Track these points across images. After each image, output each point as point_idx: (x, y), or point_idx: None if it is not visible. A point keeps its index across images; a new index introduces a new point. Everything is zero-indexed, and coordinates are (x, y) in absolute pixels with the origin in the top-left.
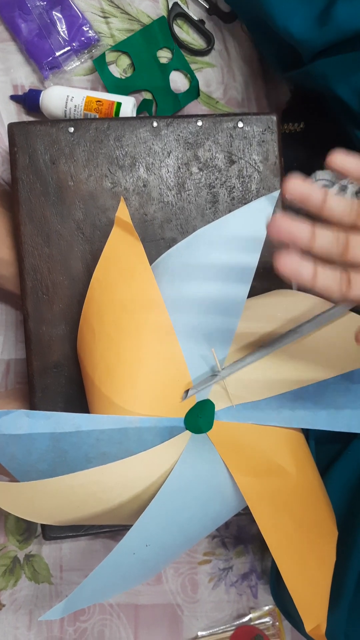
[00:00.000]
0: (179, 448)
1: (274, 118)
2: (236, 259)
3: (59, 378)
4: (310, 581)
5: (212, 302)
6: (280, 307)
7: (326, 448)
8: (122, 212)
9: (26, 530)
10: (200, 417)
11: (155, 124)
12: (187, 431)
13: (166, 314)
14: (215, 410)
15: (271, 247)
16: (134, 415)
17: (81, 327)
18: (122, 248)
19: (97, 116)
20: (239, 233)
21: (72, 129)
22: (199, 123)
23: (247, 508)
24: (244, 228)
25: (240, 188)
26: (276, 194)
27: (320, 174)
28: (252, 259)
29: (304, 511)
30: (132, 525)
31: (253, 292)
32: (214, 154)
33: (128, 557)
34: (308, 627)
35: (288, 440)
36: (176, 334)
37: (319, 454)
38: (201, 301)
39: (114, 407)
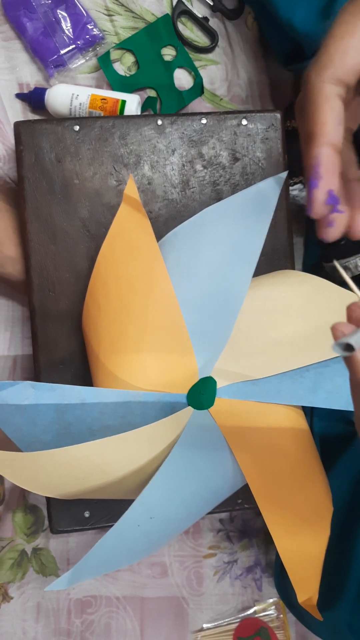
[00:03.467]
0: (182, 423)
1: (278, 115)
2: (242, 238)
3: (65, 374)
4: (304, 555)
5: (217, 279)
6: (284, 287)
7: (331, 444)
8: (130, 189)
9: (34, 524)
10: (202, 394)
11: (159, 122)
12: (190, 407)
13: (172, 290)
14: (217, 387)
15: (275, 230)
16: (138, 390)
17: (87, 303)
18: (129, 225)
19: (102, 114)
20: (246, 212)
21: (77, 128)
22: (203, 121)
23: (251, 501)
24: (250, 208)
25: (244, 185)
26: (284, 175)
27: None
28: (259, 238)
29: (300, 486)
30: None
31: (257, 273)
32: (218, 151)
33: (133, 528)
34: (301, 599)
35: (287, 418)
36: (181, 310)
37: (324, 450)
38: (207, 278)
39: (118, 381)
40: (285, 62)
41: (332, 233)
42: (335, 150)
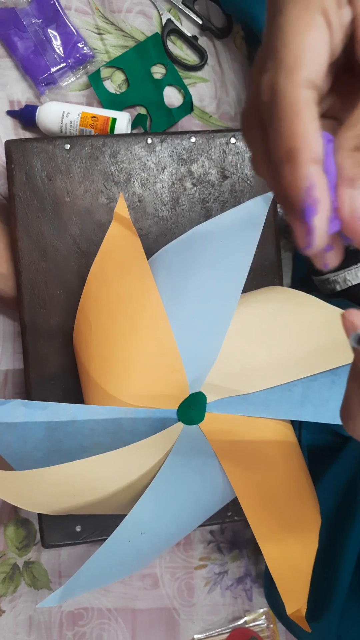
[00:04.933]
0: (172, 439)
1: None
2: (231, 255)
3: (56, 390)
4: (293, 567)
5: (207, 296)
6: (272, 303)
7: (319, 456)
8: (121, 208)
9: (25, 537)
10: (192, 409)
11: (149, 141)
12: (180, 422)
13: (162, 308)
14: (207, 402)
15: (263, 246)
16: (128, 407)
17: (78, 320)
18: (119, 242)
19: (93, 131)
20: (234, 230)
21: (68, 146)
22: (193, 139)
23: (241, 514)
24: (239, 226)
25: (233, 203)
26: (271, 194)
27: None
28: (247, 256)
29: (289, 499)
30: (126, 515)
31: (246, 289)
32: (207, 169)
33: (124, 544)
34: (289, 611)
35: (276, 432)
36: (171, 327)
37: (312, 461)
38: (196, 295)
39: (108, 398)
40: None
41: (335, 258)
42: (322, 166)
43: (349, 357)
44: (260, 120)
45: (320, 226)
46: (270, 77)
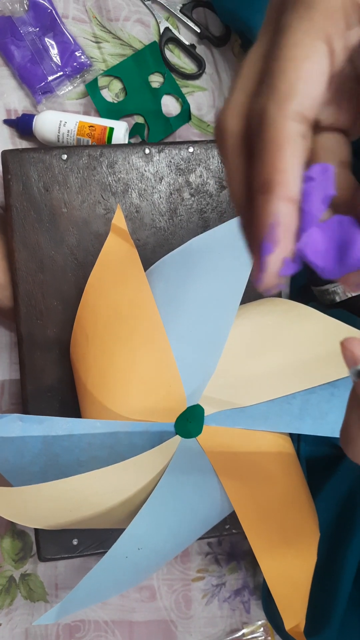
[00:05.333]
0: (169, 452)
1: None
2: (229, 267)
3: (53, 402)
4: (291, 581)
5: (205, 307)
6: (271, 315)
7: (318, 468)
8: (118, 219)
9: (22, 549)
10: (190, 422)
11: (147, 151)
12: (177, 436)
13: (159, 320)
14: (205, 415)
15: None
16: (125, 420)
17: (75, 332)
18: (117, 254)
19: (90, 141)
20: (233, 241)
21: (65, 156)
22: (191, 149)
23: (239, 527)
24: (237, 237)
25: (231, 213)
26: None
27: None
28: (246, 267)
29: (287, 512)
30: (122, 531)
31: (244, 300)
32: (205, 179)
33: (121, 560)
34: (288, 626)
35: (274, 444)
36: (169, 339)
37: (311, 474)
38: (194, 307)
39: (106, 411)
40: None
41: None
42: (295, 206)
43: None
44: (245, 139)
45: (273, 266)
46: (262, 103)
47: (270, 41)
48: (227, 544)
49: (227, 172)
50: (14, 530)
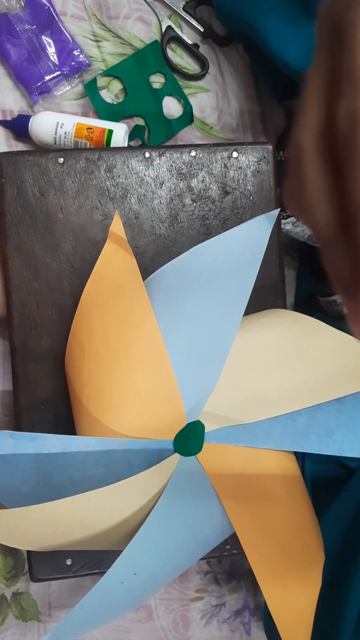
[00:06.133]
0: (168, 472)
1: (270, 148)
2: (232, 277)
3: (47, 415)
4: (294, 607)
5: (206, 320)
6: (275, 328)
7: (323, 488)
8: (116, 226)
9: (13, 567)
10: (190, 439)
11: (147, 154)
12: (176, 454)
13: (158, 332)
14: (205, 432)
15: (266, 265)
16: (122, 437)
17: (70, 344)
18: (114, 263)
19: (88, 144)
20: (236, 251)
21: (61, 160)
22: (193, 153)
23: (240, 547)
24: (241, 246)
25: (234, 220)
26: (275, 212)
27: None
28: (249, 278)
29: (291, 535)
30: (118, 551)
31: (248, 311)
32: (207, 184)
33: (116, 586)
34: None
35: (278, 464)
36: (168, 352)
37: (316, 493)
38: (195, 319)
39: (101, 428)
40: (278, 98)
41: None
42: None
43: (356, 386)
44: (329, 154)
45: None
46: (350, 104)
47: (334, 48)
48: (227, 563)
49: (310, 196)
50: (6, 548)
